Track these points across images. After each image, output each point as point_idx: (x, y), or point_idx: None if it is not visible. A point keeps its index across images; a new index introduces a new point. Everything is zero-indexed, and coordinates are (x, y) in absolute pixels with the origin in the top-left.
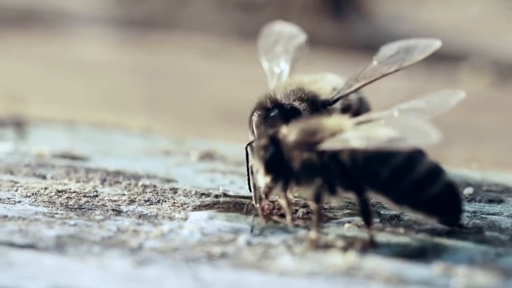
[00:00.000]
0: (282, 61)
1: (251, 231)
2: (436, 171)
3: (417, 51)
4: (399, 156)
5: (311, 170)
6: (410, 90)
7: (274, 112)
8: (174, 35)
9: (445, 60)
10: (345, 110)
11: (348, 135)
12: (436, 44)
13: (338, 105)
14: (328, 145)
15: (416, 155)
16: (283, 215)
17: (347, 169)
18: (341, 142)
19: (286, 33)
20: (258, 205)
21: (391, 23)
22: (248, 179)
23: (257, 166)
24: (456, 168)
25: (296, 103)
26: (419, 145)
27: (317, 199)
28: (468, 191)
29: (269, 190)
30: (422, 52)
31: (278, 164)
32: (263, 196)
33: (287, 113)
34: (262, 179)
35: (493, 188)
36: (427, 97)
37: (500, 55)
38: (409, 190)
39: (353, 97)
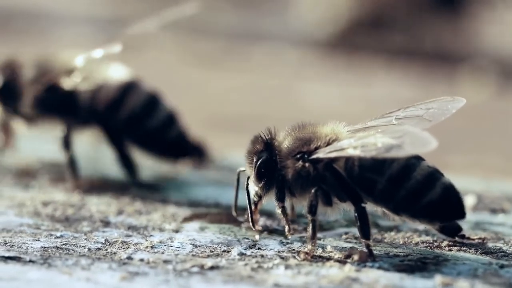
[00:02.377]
0: None
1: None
2: (434, 176)
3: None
4: (396, 163)
5: (305, 180)
6: (410, 96)
7: None
8: (165, 36)
9: (447, 62)
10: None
11: (344, 143)
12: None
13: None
14: (323, 153)
15: (413, 161)
16: (276, 228)
17: (343, 179)
18: (337, 151)
19: None
20: (250, 222)
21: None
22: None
23: (249, 172)
24: (459, 175)
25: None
26: (416, 153)
27: (313, 210)
28: (471, 200)
29: (259, 198)
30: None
31: (270, 171)
32: (253, 205)
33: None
34: (253, 187)
35: (497, 197)
36: (426, 104)
37: (503, 56)
38: (408, 197)
39: (113, 84)
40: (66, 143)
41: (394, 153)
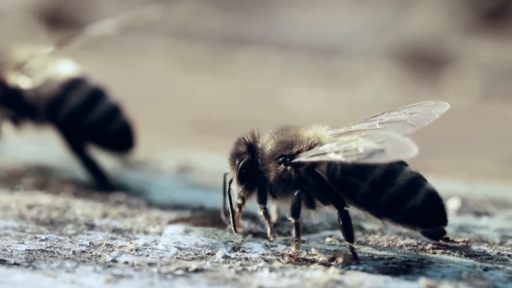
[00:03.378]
0: None
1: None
2: (417, 182)
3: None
4: (379, 168)
5: (287, 183)
6: (395, 99)
7: None
8: (150, 41)
9: (432, 66)
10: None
11: (326, 147)
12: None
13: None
14: (304, 157)
15: (396, 167)
16: (260, 231)
17: (325, 182)
18: (318, 155)
19: None
20: (225, 218)
21: None
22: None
23: (231, 174)
24: (443, 179)
25: None
26: (397, 159)
27: (295, 213)
28: (455, 203)
29: (242, 200)
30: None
31: (251, 173)
32: (236, 207)
33: None
34: (235, 188)
35: (481, 200)
36: (410, 108)
37: (487, 61)
38: (390, 203)
39: (56, 81)
40: None
41: (376, 159)
